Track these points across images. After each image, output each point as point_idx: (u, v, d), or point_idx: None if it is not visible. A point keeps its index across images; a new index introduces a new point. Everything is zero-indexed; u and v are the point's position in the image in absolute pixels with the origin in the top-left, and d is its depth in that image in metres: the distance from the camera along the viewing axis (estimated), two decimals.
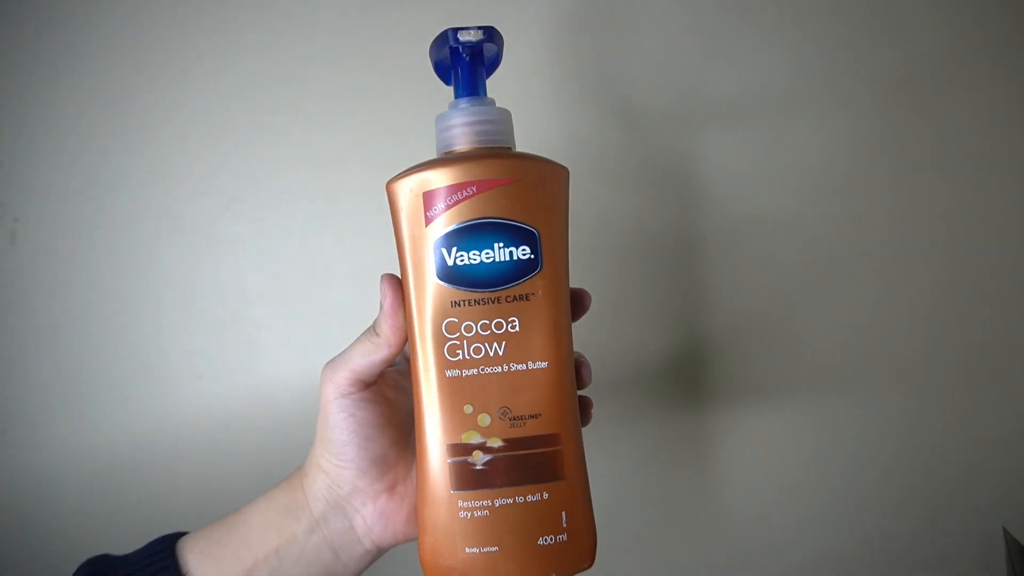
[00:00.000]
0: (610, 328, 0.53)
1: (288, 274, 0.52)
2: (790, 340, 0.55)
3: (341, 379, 0.36)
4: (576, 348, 0.36)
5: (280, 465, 0.39)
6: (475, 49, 0.35)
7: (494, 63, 0.38)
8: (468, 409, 0.33)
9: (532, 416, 0.34)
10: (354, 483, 0.36)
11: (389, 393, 0.38)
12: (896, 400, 0.56)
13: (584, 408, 0.38)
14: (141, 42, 0.51)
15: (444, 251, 0.33)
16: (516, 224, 0.33)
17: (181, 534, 0.38)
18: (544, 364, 0.34)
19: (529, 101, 0.52)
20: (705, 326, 0.55)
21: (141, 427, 0.51)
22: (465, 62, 0.35)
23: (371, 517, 0.37)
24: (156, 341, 0.51)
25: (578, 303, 0.37)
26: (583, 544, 0.35)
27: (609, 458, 0.54)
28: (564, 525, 0.34)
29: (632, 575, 0.55)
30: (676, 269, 0.55)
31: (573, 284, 0.36)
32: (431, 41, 0.36)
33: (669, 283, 0.55)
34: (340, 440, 0.35)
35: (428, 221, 0.33)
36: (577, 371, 0.36)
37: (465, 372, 0.33)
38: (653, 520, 0.56)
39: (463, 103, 0.35)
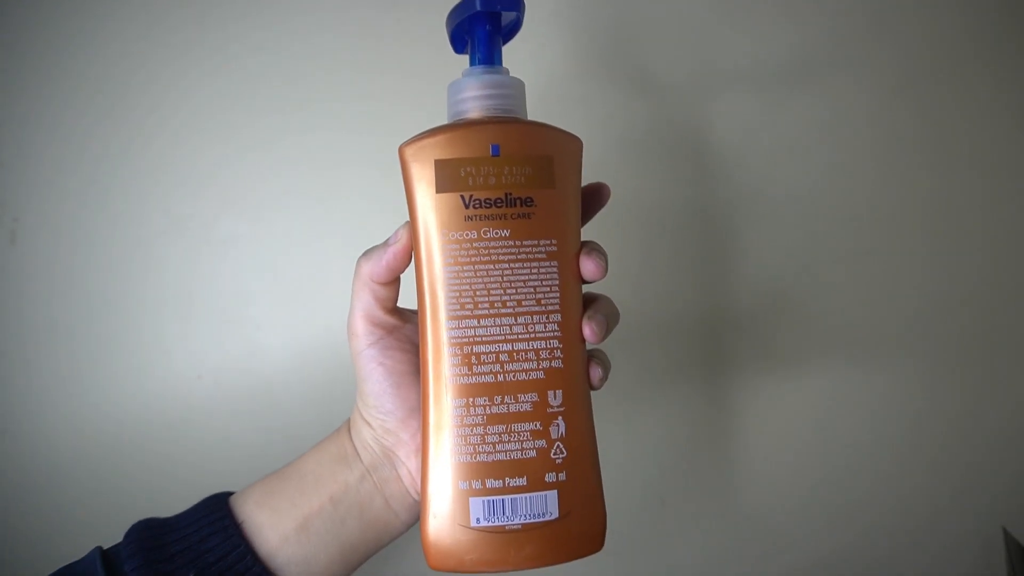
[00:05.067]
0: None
1: (288, 274, 0.52)
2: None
3: (358, 326, 0.35)
4: None
5: (280, 464, 0.39)
6: (495, 17, 0.35)
7: (512, 31, 0.37)
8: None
9: None
10: (397, 435, 0.36)
11: (417, 340, 0.36)
12: (897, 403, 0.56)
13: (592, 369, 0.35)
14: (141, 41, 0.51)
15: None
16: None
17: (230, 493, 0.37)
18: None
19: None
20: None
21: (141, 427, 0.51)
22: (485, 29, 0.35)
23: (416, 470, 0.36)
24: (156, 341, 0.51)
25: (595, 196, 0.36)
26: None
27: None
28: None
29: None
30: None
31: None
32: (452, 6, 0.35)
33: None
34: (375, 392, 0.35)
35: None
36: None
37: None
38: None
39: (478, 70, 0.35)
